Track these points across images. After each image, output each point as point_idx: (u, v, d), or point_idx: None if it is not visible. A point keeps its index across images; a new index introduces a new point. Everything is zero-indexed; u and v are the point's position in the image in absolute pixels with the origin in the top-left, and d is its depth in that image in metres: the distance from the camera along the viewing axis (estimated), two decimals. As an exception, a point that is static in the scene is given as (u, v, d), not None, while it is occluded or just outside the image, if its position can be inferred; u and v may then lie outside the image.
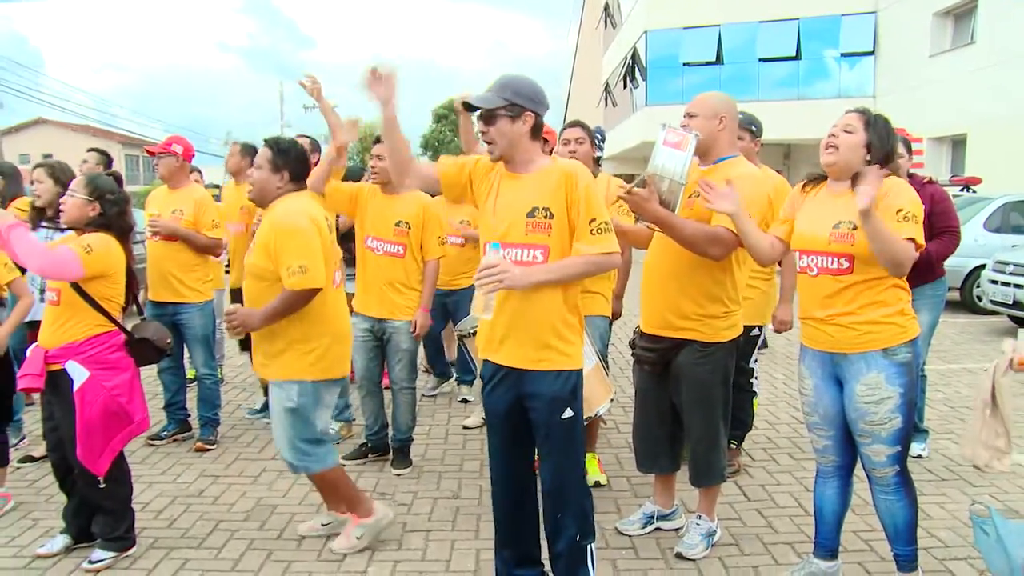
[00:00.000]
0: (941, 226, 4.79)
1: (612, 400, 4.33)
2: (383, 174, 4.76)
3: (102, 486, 3.59)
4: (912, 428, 3.19)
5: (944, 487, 4.60)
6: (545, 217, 2.94)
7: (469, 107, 3.11)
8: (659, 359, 3.74)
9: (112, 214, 3.65)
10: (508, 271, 2.84)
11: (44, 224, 4.68)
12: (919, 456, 5.01)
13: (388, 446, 5.11)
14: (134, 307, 3.87)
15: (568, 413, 3.00)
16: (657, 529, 4.01)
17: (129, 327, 3.75)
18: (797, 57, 24.95)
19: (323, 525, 4.04)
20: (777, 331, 4.78)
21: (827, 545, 3.42)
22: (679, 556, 3.73)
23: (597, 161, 5.09)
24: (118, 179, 3.83)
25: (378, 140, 4.98)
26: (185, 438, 5.52)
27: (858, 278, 3.04)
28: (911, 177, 4.91)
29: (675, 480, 4.05)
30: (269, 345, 3.71)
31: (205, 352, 5.45)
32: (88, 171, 5.81)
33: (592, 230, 2.92)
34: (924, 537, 3.85)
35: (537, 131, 3.02)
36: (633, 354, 3.93)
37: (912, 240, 2.94)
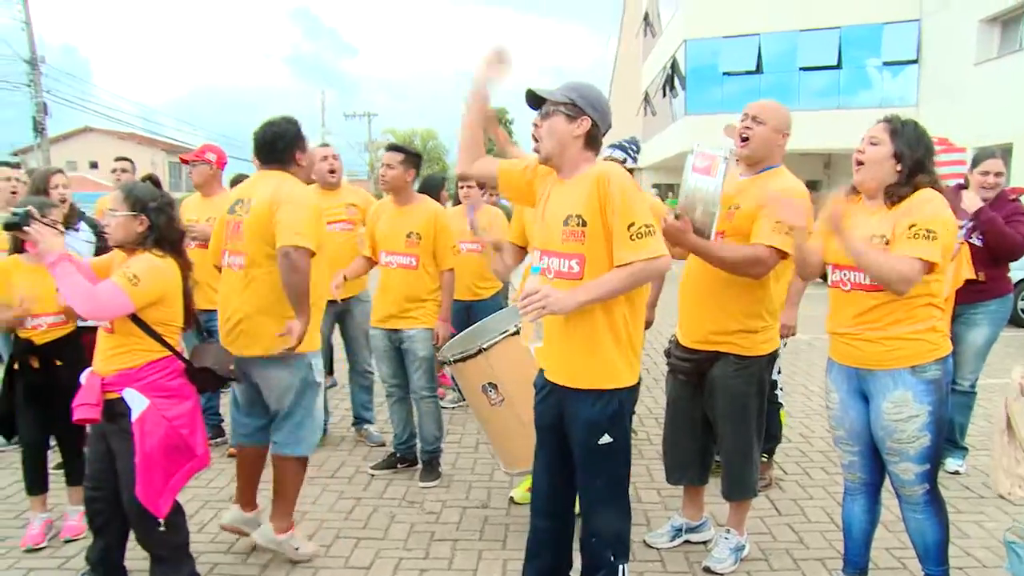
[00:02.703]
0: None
1: None
2: (393, 182, 4.80)
3: (162, 529, 3.23)
4: (941, 446, 3.12)
5: (982, 505, 4.49)
6: (578, 225, 2.82)
7: (533, 101, 2.98)
8: (694, 369, 3.70)
9: (161, 224, 3.31)
10: (549, 296, 2.72)
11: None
12: (956, 472, 4.91)
13: (417, 456, 5.11)
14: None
15: (605, 439, 2.88)
16: (686, 542, 3.97)
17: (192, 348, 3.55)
18: (838, 66, 24.63)
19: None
20: (781, 336, 4.62)
21: (856, 562, 3.36)
22: (707, 571, 3.68)
23: (632, 173, 5.06)
24: (156, 182, 3.60)
25: (390, 148, 5.00)
26: (219, 443, 5.58)
27: (891, 296, 2.97)
28: (1001, 195, 4.79)
29: (704, 492, 4.01)
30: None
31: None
32: (125, 180, 5.92)
33: (632, 235, 2.72)
34: (961, 556, 3.77)
35: (591, 141, 2.93)
36: (668, 363, 3.89)
37: (921, 259, 2.85)
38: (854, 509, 3.34)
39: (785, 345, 4.79)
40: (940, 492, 3.16)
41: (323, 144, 5.98)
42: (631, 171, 4.94)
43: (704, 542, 3.96)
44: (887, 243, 2.94)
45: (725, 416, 3.64)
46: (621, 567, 2.99)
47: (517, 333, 3.92)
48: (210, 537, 4.11)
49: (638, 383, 3.05)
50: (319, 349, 3.89)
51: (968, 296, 4.62)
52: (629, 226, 2.73)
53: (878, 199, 3.08)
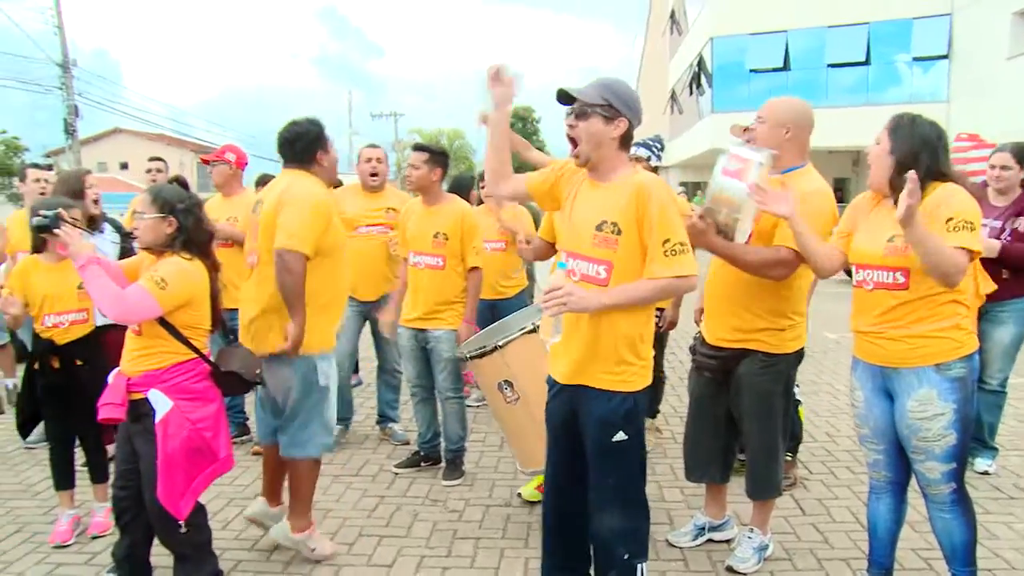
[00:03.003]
0: None
1: None
2: (419, 182, 4.82)
3: (183, 531, 3.25)
4: (967, 444, 3.07)
5: (1012, 506, 4.41)
6: (612, 232, 2.81)
7: (564, 99, 2.95)
8: (720, 367, 3.67)
9: (190, 224, 3.30)
10: (572, 294, 2.74)
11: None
12: (986, 472, 4.83)
13: (441, 455, 5.13)
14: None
15: (620, 436, 2.88)
16: (709, 541, 3.94)
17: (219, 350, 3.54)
18: (867, 62, 24.39)
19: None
20: None
21: (881, 563, 3.32)
22: (729, 570, 3.66)
23: (656, 171, 5.04)
24: (183, 184, 3.59)
25: (416, 148, 5.01)
26: (244, 441, 5.62)
27: (914, 294, 2.94)
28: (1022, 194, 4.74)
29: (726, 491, 3.98)
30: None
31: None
32: (159, 181, 5.96)
33: (666, 251, 2.74)
34: (989, 558, 3.72)
35: (626, 141, 2.92)
36: (693, 360, 3.86)
37: (965, 249, 2.82)
38: (879, 508, 3.30)
39: None
40: (967, 491, 3.11)
41: (371, 145, 5.91)
42: (655, 169, 4.95)
43: (727, 541, 3.93)
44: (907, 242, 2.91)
45: (751, 414, 3.60)
46: (639, 566, 2.97)
47: (534, 331, 3.91)
48: (234, 534, 4.15)
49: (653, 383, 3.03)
50: (329, 351, 3.84)
51: (994, 293, 4.54)
52: (664, 242, 2.75)
53: (891, 199, 3.05)
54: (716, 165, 3.26)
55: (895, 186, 2.94)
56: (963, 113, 20.47)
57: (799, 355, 3.65)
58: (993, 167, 4.78)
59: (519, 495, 4.57)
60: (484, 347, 4.04)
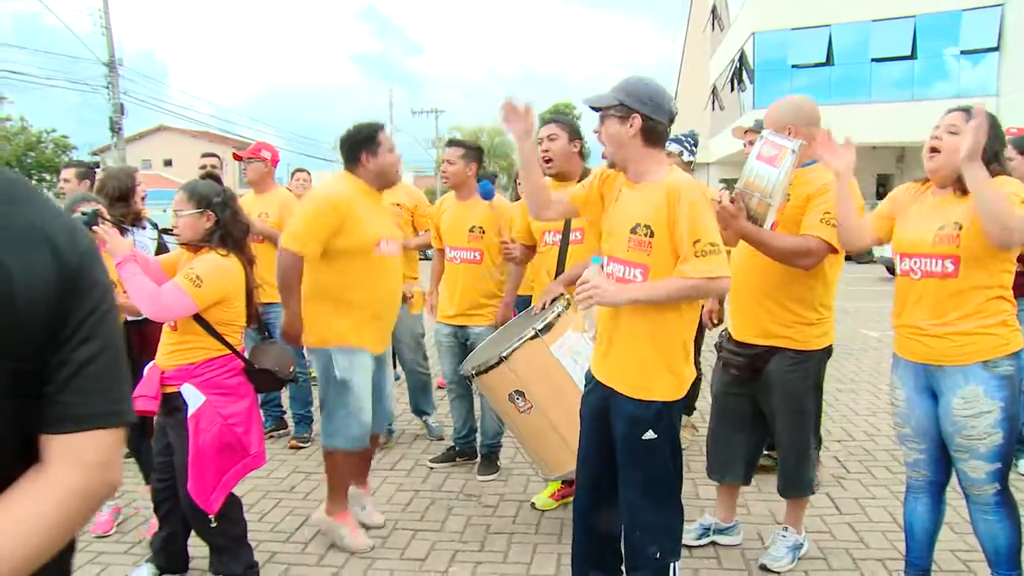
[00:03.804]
0: None
1: None
2: (454, 178, 4.85)
3: (213, 525, 3.28)
4: (1013, 445, 3.01)
5: (1057, 508, 4.32)
6: (646, 235, 2.81)
7: (594, 109, 2.98)
8: (748, 364, 3.62)
9: (227, 218, 3.34)
10: (599, 287, 2.77)
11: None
12: (1031, 474, 4.75)
13: (476, 450, 5.15)
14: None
15: (649, 435, 2.86)
16: (713, 543, 3.90)
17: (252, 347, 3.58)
18: (912, 56, 23.97)
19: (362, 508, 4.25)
20: None
21: (918, 564, 3.27)
22: (763, 568, 3.63)
23: (690, 166, 5.02)
24: (217, 179, 3.68)
25: (450, 143, 5.03)
26: (281, 435, 5.71)
27: (964, 284, 2.90)
28: None
29: (738, 494, 3.95)
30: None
31: (295, 350, 5.59)
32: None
33: (697, 252, 2.72)
34: (1031, 560, 3.64)
35: (650, 136, 2.87)
36: (719, 356, 3.83)
37: None
38: (917, 508, 3.25)
39: None
40: (1011, 493, 3.05)
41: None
42: (689, 164, 4.92)
43: (733, 545, 3.89)
44: (960, 229, 2.88)
45: (782, 412, 3.56)
46: (672, 565, 2.95)
47: (535, 337, 3.77)
48: (270, 526, 4.21)
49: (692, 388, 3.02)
50: (349, 347, 3.88)
51: (1017, 291, 4.44)
52: (695, 242, 2.73)
53: (947, 189, 3.01)
54: (752, 149, 3.25)
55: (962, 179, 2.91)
56: (1013, 108, 20.03)
57: (828, 351, 3.61)
58: (1010, 159, 4.62)
59: (532, 505, 4.46)
60: (488, 361, 3.89)
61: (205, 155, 6.51)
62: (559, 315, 3.79)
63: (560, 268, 4.20)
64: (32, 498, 1.09)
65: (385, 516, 4.32)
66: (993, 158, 2.91)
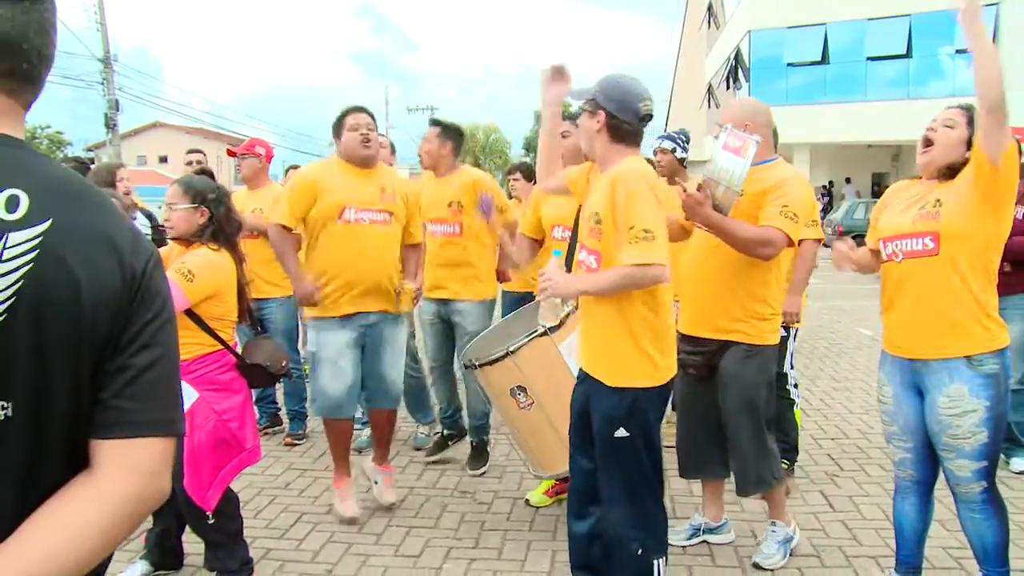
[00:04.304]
0: None
1: None
2: (428, 157, 4.87)
3: (211, 521, 3.26)
4: (1000, 443, 3.03)
5: (1049, 505, 4.35)
6: (597, 223, 2.94)
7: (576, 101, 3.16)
8: (704, 362, 3.64)
9: (221, 214, 3.34)
10: (551, 279, 2.93)
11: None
12: (1021, 473, 4.76)
13: (463, 429, 5.19)
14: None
15: (621, 432, 2.90)
16: (703, 542, 3.91)
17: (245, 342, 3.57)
18: (908, 55, 24.04)
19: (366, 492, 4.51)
20: (784, 324, 4.25)
21: (908, 562, 3.29)
22: (756, 567, 3.64)
23: (683, 162, 5.05)
24: (210, 174, 3.67)
25: (433, 123, 4.98)
26: (276, 431, 5.72)
27: (944, 263, 2.91)
28: None
29: (723, 489, 3.95)
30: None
31: (288, 346, 5.62)
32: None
33: (628, 239, 2.76)
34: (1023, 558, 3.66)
35: (615, 132, 2.94)
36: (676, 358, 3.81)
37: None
38: (905, 508, 3.27)
39: (795, 335, 4.69)
40: (999, 491, 3.07)
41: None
42: (682, 160, 4.95)
43: (725, 544, 3.89)
44: (939, 205, 2.94)
45: (738, 407, 3.56)
46: (656, 563, 2.96)
47: (546, 334, 3.79)
48: (265, 523, 4.21)
49: (667, 384, 3.02)
50: (322, 318, 4.23)
51: (1005, 288, 4.45)
52: (629, 229, 2.78)
53: (933, 180, 3.07)
54: (717, 140, 3.29)
55: (953, 171, 2.96)
56: (1011, 105, 20.03)
57: (778, 349, 3.70)
58: None
59: (527, 502, 4.46)
60: (494, 353, 3.90)
61: (190, 151, 6.53)
62: (569, 314, 3.77)
63: (569, 265, 4.16)
64: (84, 502, 1.09)
65: (379, 513, 4.33)
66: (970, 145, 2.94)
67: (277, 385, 5.83)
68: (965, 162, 2.95)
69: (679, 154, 5.02)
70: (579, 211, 4.07)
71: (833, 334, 9.63)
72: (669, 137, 5.10)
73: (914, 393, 3.11)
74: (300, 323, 6.14)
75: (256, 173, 5.62)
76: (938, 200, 2.95)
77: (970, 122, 2.98)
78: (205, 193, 3.34)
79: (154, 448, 1.14)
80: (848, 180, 28.99)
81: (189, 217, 3.30)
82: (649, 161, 4.71)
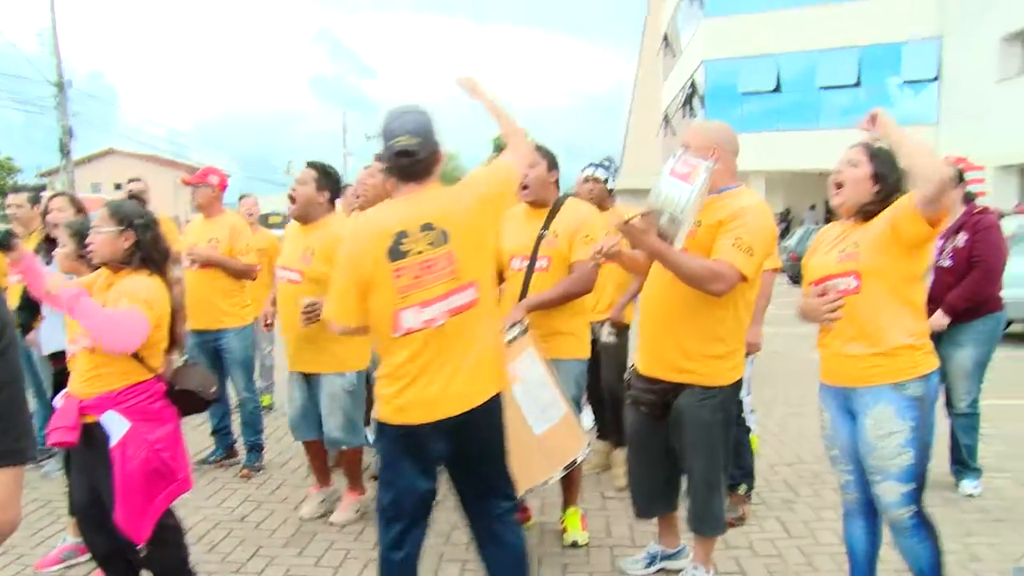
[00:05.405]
0: (973, 255, 4.68)
1: (589, 446, 4.05)
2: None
3: (143, 555, 3.18)
4: (925, 466, 3.07)
5: (998, 528, 4.41)
6: None
7: None
8: (658, 400, 3.52)
9: (148, 240, 3.27)
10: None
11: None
12: (971, 495, 4.85)
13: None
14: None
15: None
16: (661, 570, 3.89)
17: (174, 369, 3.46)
18: (857, 85, 24.64)
19: (320, 503, 4.76)
20: (748, 353, 4.15)
21: (862, 585, 3.33)
22: None
23: (611, 193, 5.12)
24: (142, 200, 3.52)
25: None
26: (232, 463, 5.64)
27: (867, 299, 3.01)
28: (969, 202, 4.80)
29: (677, 519, 3.88)
30: (326, 341, 4.28)
31: (245, 376, 5.58)
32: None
33: None
34: (972, 580, 3.72)
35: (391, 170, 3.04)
36: (629, 395, 3.70)
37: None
38: (854, 531, 3.32)
39: (753, 362, 4.71)
40: (928, 514, 3.12)
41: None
42: (610, 192, 5.07)
43: (680, 570, 3.84)
44: (858, 246, 3.02)
45: (693, 447, 3.44)
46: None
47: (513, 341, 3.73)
48: (220, 557, 4.15)
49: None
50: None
51: (966, 315, 4.65)
52: None
53: (851, 220, 3.16)
54: (664, 166, 3.17)
55: (868, 210, 3.05)
56: (952, 136, 20.63)
57: (738, 386, 3.53)
58: None
59: (575, 543, 4.24)
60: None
61: (131, 180, 6.60)
62: (515, 338, 3.75)
63: (523, 294, 4.16)
64: None
65: (338, 544, 4.29)
66: (895, 188, 3.04)
67: (233, 415, 5.78)
68: (877, 200, 3.04)
69: (610, 184, 5.09)
70: (538, 240, 4.14)
71: (788, 360, 9.73)
72: (601, 166, 5.15)
73: (849, 417, 3.18)
74: (268, 356, 6.10)
75: (210, 202, 5.57)
76: (856, 243, 3.04)
77: (872, 157, 3.08)
78: (132, 217, 3.27)
79: (1, 478, 1.10)
80: (813, 207, 29.47)
81: (113, 241, 3.23)
82: (576, 194, 4.78)
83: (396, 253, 2.84)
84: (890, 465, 3.01)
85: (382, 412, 2.98)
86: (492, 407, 3.00)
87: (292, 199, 4.53)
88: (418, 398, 2.89)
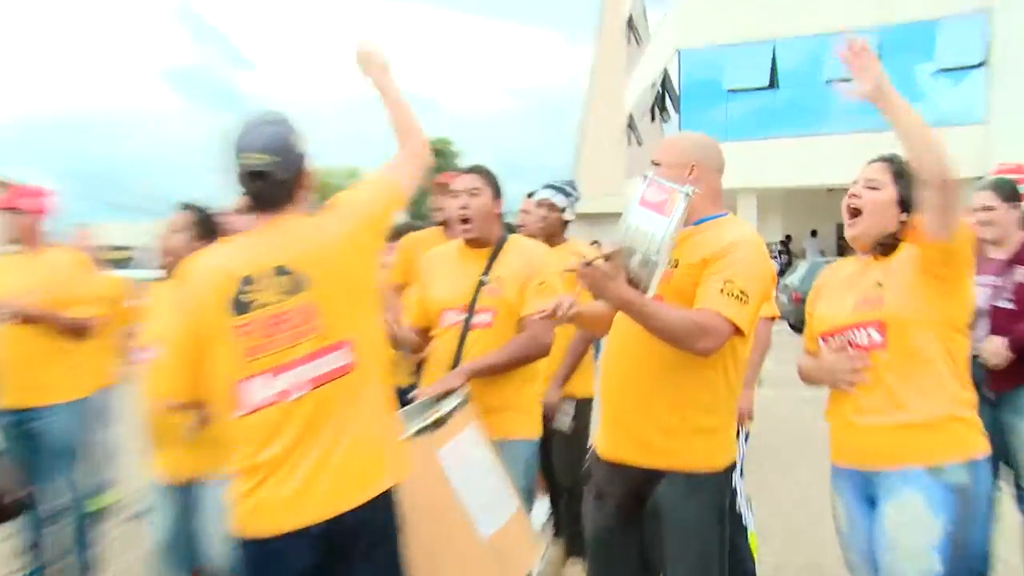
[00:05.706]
0: None
1: (544, 557, 4.01)
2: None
3: None
4: None
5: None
6: None
7: None
8: (628, 493, 3.37)
9: None
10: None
11: None
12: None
13: None
14: None
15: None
16: None
17: None
18: (877, 75, 25.14)
19: None
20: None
21: None
22: None
23: (566, 225, 5.13)
24: None
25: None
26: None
27: (896, 356, 3.00)
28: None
29: None
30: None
31: (69, 470, 5.37)
32: None
33: None
34: None
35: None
36: (588, 487, 3.59)
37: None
38: None
39: (747, 437, 4.73)
40: None
41: None
42: (564, 223, 5.11)
43: None
44: (881, 287, 3.05)
45: (676, 556, 3.27)
46: None
47: (420, 434, 3.52)
48: None
49: None
50: None
51: (1008, 377, 4.49)
52: None
53: (867, 255, 3.19)
54: (634, 194, 3.11)
55: (892, 243, 3.07)
56: (1006, 136, 21.09)
57: (731, 469, 3.44)
58: (974, 211, 4.69)
59: None
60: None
61: None
62: (453, 411, 3.59)
63: (458, 357, 4.08)
64: None
65: None
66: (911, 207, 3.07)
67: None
68: (903, 227, 3.08)
69: (567, 215, 5.12)
70: (478, 288, 4.10)
71: (793, 430, 9.75)
72: (561, 191, 5.17)
73: (870, 508, 3.14)
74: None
75: (28, 234, 5.42)
76: (878, 282, 3.04)
77: (898, 176, 3.11)
78: None
79: None
80: (814, 233, 29.89)
81: None
82: (517, 228, 4.79)
83: (239, 305, 2.80)
84: (907, 568, 2.94)
85: (235, 519, 2.88)
86: (379, 508, 2.87)
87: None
88: (272, 498, 2.80)
